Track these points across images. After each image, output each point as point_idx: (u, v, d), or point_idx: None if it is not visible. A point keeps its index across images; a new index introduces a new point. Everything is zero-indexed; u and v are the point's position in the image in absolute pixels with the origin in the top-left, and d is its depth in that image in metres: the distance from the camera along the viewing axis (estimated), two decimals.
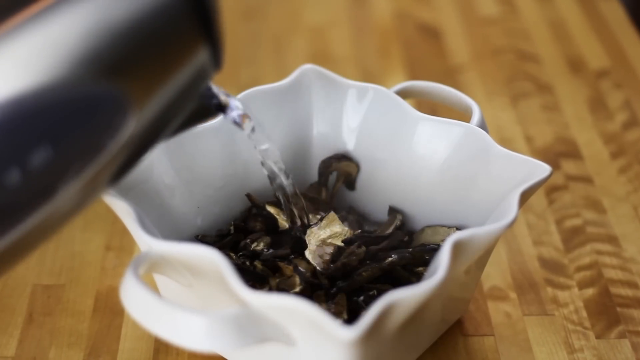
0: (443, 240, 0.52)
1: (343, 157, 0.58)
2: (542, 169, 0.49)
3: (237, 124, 0.48)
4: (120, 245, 0.61)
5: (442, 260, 0.43)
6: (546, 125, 0.73)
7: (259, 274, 0.51)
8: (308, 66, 0.58)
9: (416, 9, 0.88)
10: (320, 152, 0.59)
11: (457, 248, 0.44)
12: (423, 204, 0.56)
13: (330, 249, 0.52)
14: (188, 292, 0.49)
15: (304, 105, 0.58)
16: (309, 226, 0.53)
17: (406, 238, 0.55)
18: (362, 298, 0.50)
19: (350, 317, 0.49)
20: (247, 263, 0.51)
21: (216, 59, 0.42)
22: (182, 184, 0.54)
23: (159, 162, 0.53)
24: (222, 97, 0.46)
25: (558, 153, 0.70)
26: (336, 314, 0.49)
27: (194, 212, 0.55)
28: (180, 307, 0.41)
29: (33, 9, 0.37)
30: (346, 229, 0.54)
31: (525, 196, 0.48)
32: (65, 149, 0.37)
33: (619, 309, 0.57)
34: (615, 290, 0.58)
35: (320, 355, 0.44)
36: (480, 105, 0.56)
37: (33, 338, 0.55)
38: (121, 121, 0.38)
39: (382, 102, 0.57)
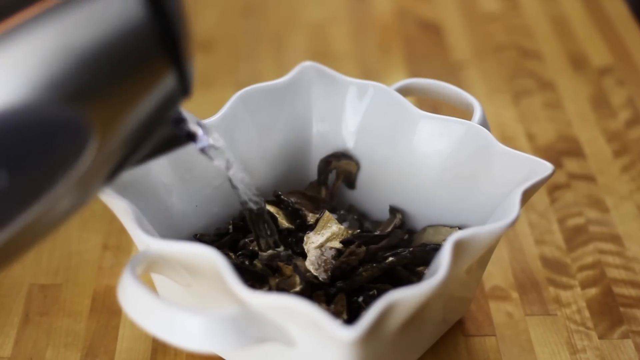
0: (445, 240, 0.51)
1: (343, 156, 0.58)
2: (544, 168, 0.49)
3: (206, 154, 0.47)
4: (117, 244, 0.61)
5: (443, 260, 0.43)
6: (548, 123, 0.73)
7: (258, 274, 0.50)
8: (308, 63, 0.57)
9: (417, 5, 0.88)
10: (319, 151, 0.58)
11: (458, 247, 0.44)
12: (424, 202, 0.56)
13: (330, 253, 0.51)
14: (186, 291, 0.49)
15: (303, 103, 0.58)
16: (305, 232, 0.52)
17: (406, 236, 0.54)
18: (362, 298, 0.50)
19: (350, 317, 0.49)
20: (247, 262, 0.51)
21: (184, 86, 0.41)
22: (180, 183, 0.54)
23: (157, 160, 0.52)
24: (191, 126, 0.45)
25: (560, 151, 0.69)
26: (336, 314, 0.48)
27: (192, 211, 0.55)
28: (179, 307, 0.41)
29: None
30: (343, 227, 0.53)
31: (527, 195, 0.48)
32: (22, 174, 0.36)
33: (622, 309, 0.57)
34: (618, 289, 0.58)
35: (320, 356, 0.44)
36: (481, 103, 0.56)
37: (29, 338, 0.55)
38: (83, 147, 0.37)
39: (383, 100, 0.56)
